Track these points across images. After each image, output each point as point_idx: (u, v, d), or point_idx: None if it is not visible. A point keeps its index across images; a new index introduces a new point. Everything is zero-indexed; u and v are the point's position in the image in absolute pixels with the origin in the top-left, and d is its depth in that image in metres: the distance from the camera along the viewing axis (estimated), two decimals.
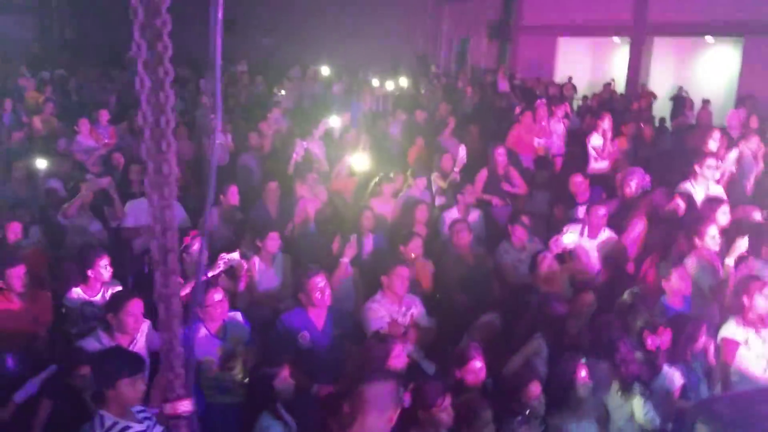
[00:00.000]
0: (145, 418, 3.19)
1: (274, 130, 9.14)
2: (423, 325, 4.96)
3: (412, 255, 5.60)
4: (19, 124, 9.41)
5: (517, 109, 10.45)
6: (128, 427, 3.03)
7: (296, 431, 3.75)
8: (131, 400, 3.09)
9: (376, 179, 7.17)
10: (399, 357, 3.97)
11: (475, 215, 6.76)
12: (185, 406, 1.75)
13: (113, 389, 3.05)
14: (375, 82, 14.41)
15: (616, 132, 9.00)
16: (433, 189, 7.34)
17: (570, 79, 15.57)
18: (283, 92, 12.51)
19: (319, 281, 4.64)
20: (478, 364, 3.98)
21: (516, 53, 18.65)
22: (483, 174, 7.28)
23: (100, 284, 4.92)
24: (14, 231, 5.51)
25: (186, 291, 4.89)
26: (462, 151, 7.52)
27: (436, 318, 5.16)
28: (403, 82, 14.78)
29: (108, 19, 15.87)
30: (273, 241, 5.63)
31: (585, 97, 14.37)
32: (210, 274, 4.90)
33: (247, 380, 4.47)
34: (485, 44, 19.34)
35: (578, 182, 6.85)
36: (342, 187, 7.47)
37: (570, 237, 5.55)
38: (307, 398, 4.23)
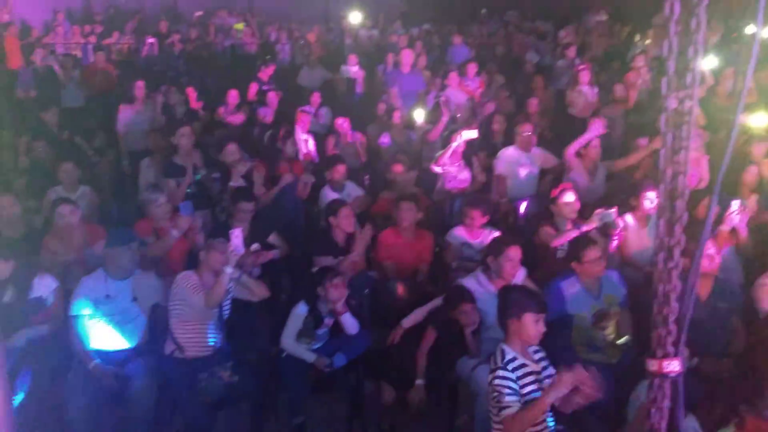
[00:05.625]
0: (542, 359, 3.26)
1: (641, 81, 8.50)
2: None
3: None
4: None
5: None
6: (525, 365, 3.13)
7: None
8: (531, 337, 3.17)
9: (745, 138, 6.21)
10: None
11: None
12: (674, 365, 1.64)
13: (518, 321, 3.14)
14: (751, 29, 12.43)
15: None
16: None
17: None
18: (648, 41, 11.57)
19: (709, 247, 4.22)
20: None
21: None
22: None
23: (480, 228, 5.20)
24: (397, 170, 6.10)
25: (561, 241, 4.93)
26: None
27: None
28: None
29: None
30: (648, 201, 5.31)
31: None
32: (584, 229, 4.82)
33: (620, 341, 4.33)
34: None
35: None
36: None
37: None
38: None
